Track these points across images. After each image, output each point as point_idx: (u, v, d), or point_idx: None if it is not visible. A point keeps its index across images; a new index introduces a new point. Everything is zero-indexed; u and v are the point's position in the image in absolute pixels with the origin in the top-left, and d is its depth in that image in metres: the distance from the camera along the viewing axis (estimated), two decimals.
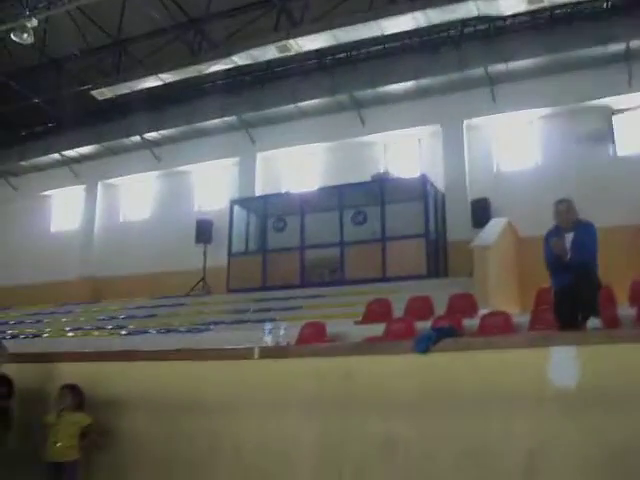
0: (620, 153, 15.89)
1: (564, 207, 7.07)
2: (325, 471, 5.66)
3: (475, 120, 17.36)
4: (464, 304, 11.08)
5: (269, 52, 15.89)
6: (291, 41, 15.32)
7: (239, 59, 16.30)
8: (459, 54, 16.95)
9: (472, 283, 12.42)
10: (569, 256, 6.73)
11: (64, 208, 23.61)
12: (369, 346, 6.43)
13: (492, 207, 16.01)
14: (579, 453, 4.73)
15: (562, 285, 6.92)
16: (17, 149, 23.02)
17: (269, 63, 18.53)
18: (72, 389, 6.68)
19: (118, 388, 6.86)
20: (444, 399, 5.27)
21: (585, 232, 6.90)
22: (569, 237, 6.88)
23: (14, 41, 15.40)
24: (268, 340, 6.61)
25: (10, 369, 7.33)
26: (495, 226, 14.22)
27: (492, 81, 16.71)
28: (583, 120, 16.15)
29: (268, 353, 6.21)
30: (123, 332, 14.25)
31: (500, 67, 16.37)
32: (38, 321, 17.54)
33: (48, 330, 15.91)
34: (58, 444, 6.49)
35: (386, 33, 15.10)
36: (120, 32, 17.94)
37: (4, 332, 16.09)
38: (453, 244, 16.29)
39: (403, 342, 6.00)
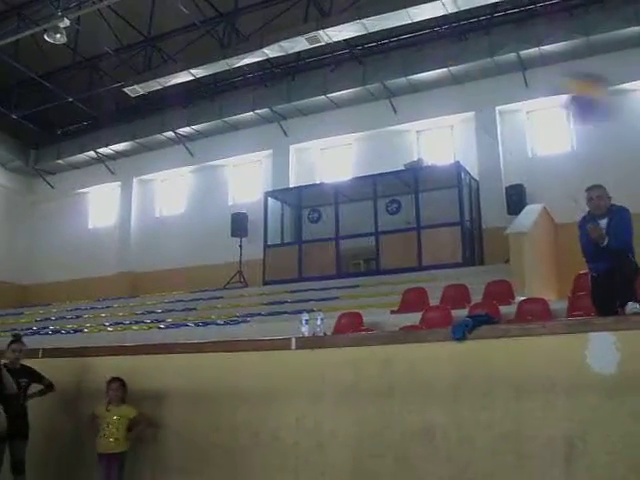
0: None
1: (595, 193, 7.00)
2: (365, 459, 5.70)
3: (508, 106, 17.19)
4: (500, 291, 11.04)
5: (299, 44, 15.95)
6: (321, 32, 15.37)
7: (269, 51, 16.40)
8: (490, 40, 16.82)
9: (508, 270, 12.34)
10: (605, 242, 6.66)
11: (101, 205, 23.91)
12: (405, 334, 6.44)
13: (527, 193, 15.85)
14: (619, 439, 4.69)
15: (599, 271, 6.87)
16: (53, 148, 23.42)
17: (300, 54, 18.57)
18: (119, 382, 6.84)
19: (157, 381, 6.98)
20: (481, 386, 5.27)
21: (619, 217, 6.82)
22: (603, 223, 6.81)
23: (47, 41, 15.64)
24: (305, 331, 6.65)
25: (53, 364, 7.52)
26: (530, 212, 14.10)
27: (524, 66, 16.53)
28: (619, 102, 15.89)
29: (305, 343, 6.25)
30: (162, 326, 14.43)
31: (532, 51, 16.16)
32: (78, 316, 17.85)
33: (88, 325, 16.17)
34: (108, 436, 6.66)
35: (415, 21, 15.07)
36: (151, 29, 18.14)
37: (46, 328, 16.44)
38: (488, 231, 16.19)
39: (439, 330, 6.00)
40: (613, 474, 4.66)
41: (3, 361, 7.06)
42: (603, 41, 15.51)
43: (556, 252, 14.80)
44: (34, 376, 7.31)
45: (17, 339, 7.45)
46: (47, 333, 15.69)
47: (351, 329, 9.91)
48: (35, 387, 7.32)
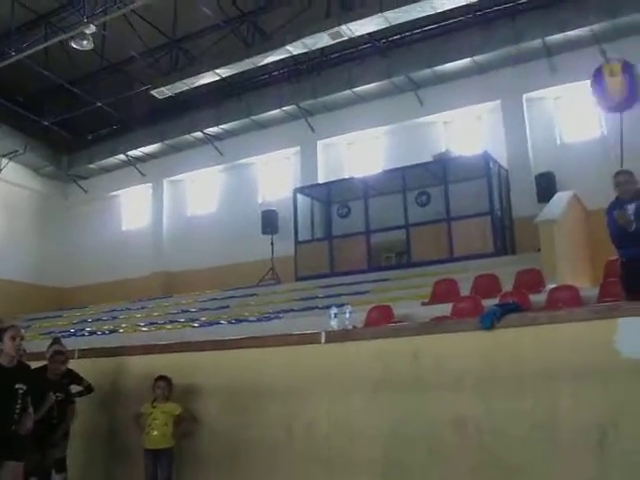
0: None
1: (623, 178, 6.96)
2: (397, 450, 5.73)
3: (535, 93, 17.02)
4: (531, 280, 10.97)
5: (322, 40, 15.98)
6: (343, 27, 15.37)
7: (293, 49, 16.46)
8: (515, 27, 16.63)
9: (539, 259, 12.25)
10: (634, 227, 6.60)
11: (133, 207, 24.18)
12: (433, 325, 6.46)
13: (557, 181, 15.69)
14: None
15: (628, 256, 6.82)
16: (85, 153, 23.70)
17: (324, 50, 18.58)
18: (166, 380, 6.97)
19: (190, 378, 7.09)
20: (511, 374, 5.28)
21: None
22: (631, 208, 6.75)
23: (75, 48, 15.88)
24: (334, 325, 6.69)
25: (88, 364, 7.68)
26: (561, 200, 13.96)
27: (550, 52, 16.33)
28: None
29: (334, 337, 6.30)
30: (195, 324, 14.57)
31: (558, 37, 15.96)
32: (114, 317, 18.10)
33: (123, 326, 16.39)
34: (154, 432, 6.81)
35: (438, 11, 15.00)
36: (176, 31, 18.27)
37: (83, 329, 16.69)
38: (519, 220, 16.05)
39: (468, 320, 6.02)
40: None
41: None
42: (630, 24, 15.23)
43: (588, 239, 14.63)
44: (74, 377, 7.48)
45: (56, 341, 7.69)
46: (84, 335, 15.93)
47: (382, 322, 9.93)
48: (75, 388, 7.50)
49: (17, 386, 5.74)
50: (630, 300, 6.41)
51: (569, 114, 17.01)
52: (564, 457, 4.99)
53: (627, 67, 6.63)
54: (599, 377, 4.93)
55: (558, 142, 16.84)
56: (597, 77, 6.67)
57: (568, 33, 15.78)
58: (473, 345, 5.54)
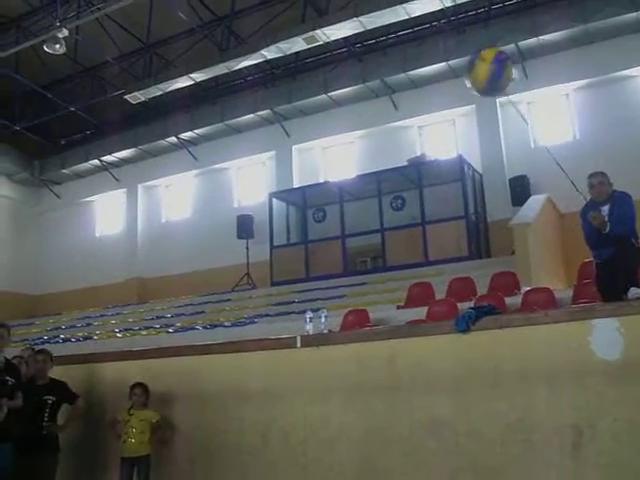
0: None
1: (596, 180, 6.96)
2: (374, 454, 5.70)
3: (509, 97, 17.09)
4: (506, 283, 11.01)
5: (297, 44, 16.00)
6: (318, 32, 15.42)
7: (268, 53, 16.46)
8: (488, 32, 16.78)
9: (514, 262, 12.31)
10: (608, 228, 6.63)
11: (107, 212, 24.02)
12: (409, 328, 6.45)
13: (531, 184, 15.80)
14: (626, 424, 4.69)
15: (603, 258, 6.84)
16: (58, 158, 23.49)
17: (299, 55, 18.59)
18: (143, 387, 6.88)
19: (165, 384, 7.01)
20: (487, 377, 5.27)
21: (621, 203, 6.77)
22: (605, 210, 6.77)
23: (47, 52, 15.72)
24: (309, 329, 6.66)
25: (61, 372, 7.56)
26: (534, 203, 14.05)
27: (523, 57, 16.43)
28: (620, 89, 15.83)
29: (310, 341, 6.26)
30: (170, 330, 14.46)
31: (531, 42, 16.10)
32: (88, 324, 17.94)
33: (98, 332, 16.22)
34: (131, 440, 6.72)
35: (412, 16, 15.08)
36: (149, 36, 18.19)
37: (57, 337, 16.49)
38: (494, 224, 16.14)
39: (443, 323, 6.00)
40: (620, 460, 4.65)
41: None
42: (601, 28, 15.43)
43: (562, 241, 14.76)
44: (62, 389, 7.32)
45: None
46: (58, 342, 15.74)
47: (357, 326, 9.91)
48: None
49: None
50: (605, 301, 6.44)
51: (542, 118, 17.13)
52: (540, 458, 4.98)
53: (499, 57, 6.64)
54: (574, 378, 4.93)
55: (532, 146, 16.94)
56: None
57: (541, 38, 15.91)
58: (448, 348, 5.52)
